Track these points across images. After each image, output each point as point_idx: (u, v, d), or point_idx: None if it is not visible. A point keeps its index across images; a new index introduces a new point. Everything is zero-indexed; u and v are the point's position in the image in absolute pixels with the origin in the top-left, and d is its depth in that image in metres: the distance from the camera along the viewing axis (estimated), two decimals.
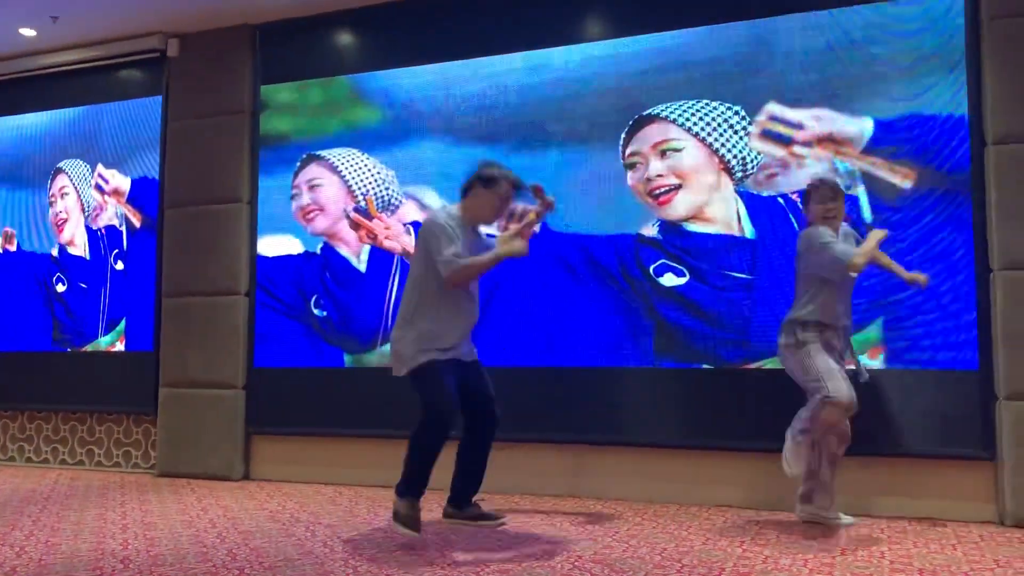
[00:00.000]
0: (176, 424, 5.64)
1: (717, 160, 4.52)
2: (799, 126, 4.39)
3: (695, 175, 4.58)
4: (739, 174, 4.48)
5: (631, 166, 4.71)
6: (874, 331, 4.18)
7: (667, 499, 4.47)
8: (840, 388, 3.57)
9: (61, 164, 6.32)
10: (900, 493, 4.04)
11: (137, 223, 5.99)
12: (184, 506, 4.55)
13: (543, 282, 4.83)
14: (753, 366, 4.36)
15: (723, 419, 4.40)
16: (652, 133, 4.68)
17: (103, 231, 6.12)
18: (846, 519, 3.82)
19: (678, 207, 4.59)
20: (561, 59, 4.93)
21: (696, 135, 4.58)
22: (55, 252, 6.26)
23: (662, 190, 4.63)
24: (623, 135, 4.73)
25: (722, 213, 4.51)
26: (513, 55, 5.04)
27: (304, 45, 5.60)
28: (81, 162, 6.25)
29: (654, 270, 4.61)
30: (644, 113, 4.70)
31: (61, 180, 6.31)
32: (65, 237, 6.25)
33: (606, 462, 4.67)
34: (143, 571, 3.15)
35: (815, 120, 4.37)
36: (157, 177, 5.92)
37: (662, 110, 4.67)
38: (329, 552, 3.43)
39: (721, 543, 3.52)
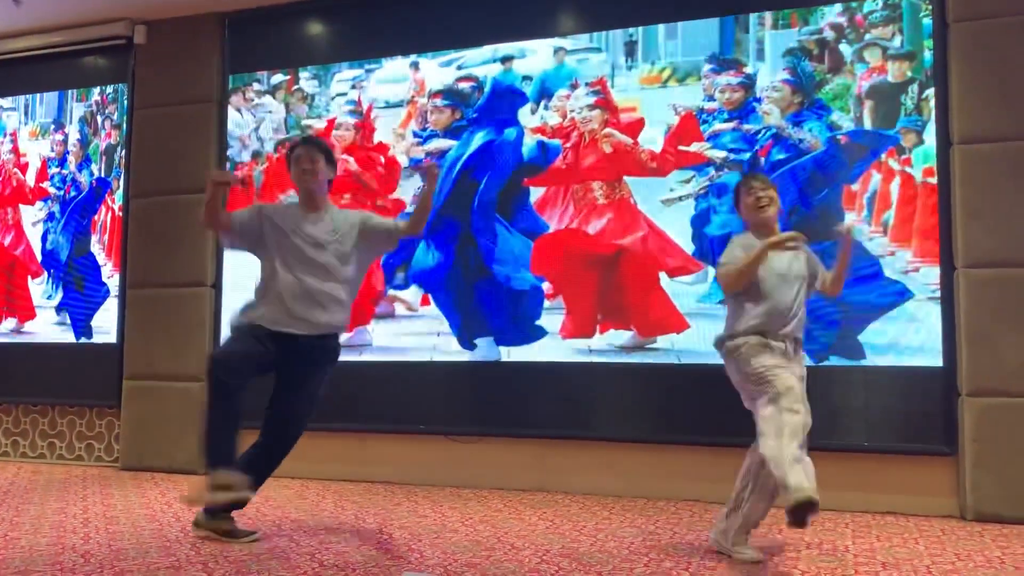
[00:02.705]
0: (140, 417, 5.56)
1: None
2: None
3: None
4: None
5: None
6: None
7: (635, 493, 4.49)
8: (792, 408, 3.03)
9: None
10: (865, 488, 4.09)
11: None
12: (148, 500, 4.49)
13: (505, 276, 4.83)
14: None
15: (690, 414, 4.42)
16: None
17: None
18: (748, 553, 3.17)
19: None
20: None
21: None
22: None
23: None
24: None
25: None
26: (485, 48, 5.03)
27: (274, 34, 5.54)
28: None
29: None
30: None
31: None
32: None
33: (574, 457, 4.68)
34: (104, 566, 3.10)
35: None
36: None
37: None
38: (295, 546, 3.40)
39: (688, 537, 3.54)
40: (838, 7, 4.38)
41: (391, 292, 5.10)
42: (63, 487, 4.91)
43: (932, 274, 4.10)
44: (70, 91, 6.18)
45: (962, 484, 3.98)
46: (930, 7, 4.22)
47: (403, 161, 5.15)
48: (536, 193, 4.84)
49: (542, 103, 4.88)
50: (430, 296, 5.01)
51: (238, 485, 3.37)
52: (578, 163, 4.76)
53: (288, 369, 3.62)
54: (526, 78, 4.94)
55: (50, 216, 6.10)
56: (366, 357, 5.11)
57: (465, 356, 4.91)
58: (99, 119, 6.06)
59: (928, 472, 4.07)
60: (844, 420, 4.15)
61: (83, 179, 6.05)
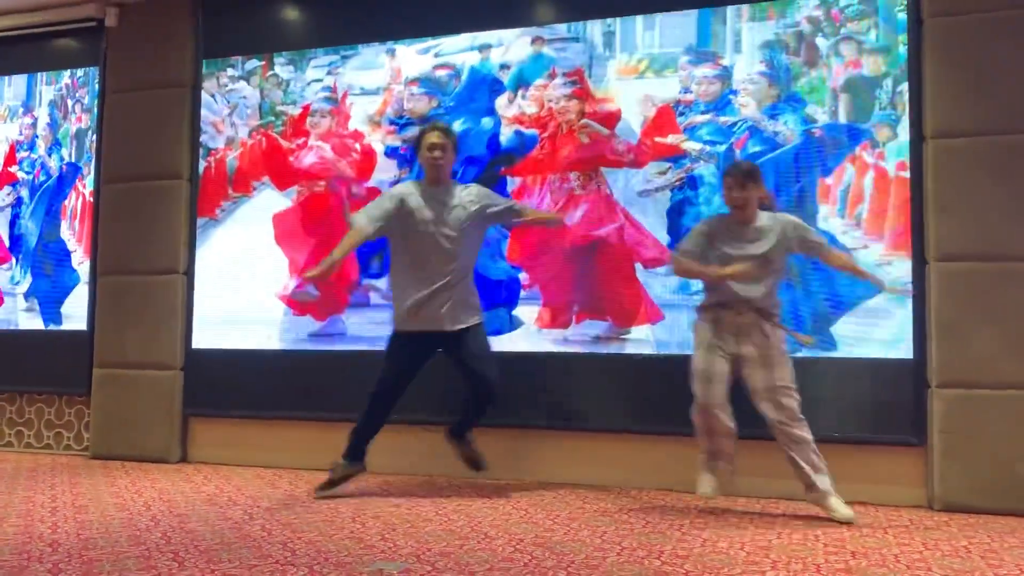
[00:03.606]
0: (111, 405, 5.50)
1: None
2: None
3: None
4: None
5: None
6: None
7: (608, 483, 4.50)
8: (695, 390, 3.76)
9: None
10: (835, 478, 4.12)
11: None
12: (117, 489, 4.44)
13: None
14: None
15: (665, 404, 4.43)
16: None
17: None
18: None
19: None
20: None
21: None
22: None
23: None
24: None
25: None
26: (462, 36, 5.00)
27: (249, 19, 5.47)
28: None
29: None
30: None
31: None
32: None
33: (548, 446, 4.69)
34: (72, 555, 3.06)
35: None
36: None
37: None
38: (267, 535, 3.38)
39: (661, 526, 3.56)
40: (815, 1, 4.40)
41: (366, 281, 5.07)
42: (31, 476, 4.85)
43: (904, 267, 4.14)
44: (40, 74, 6.07)
45: (930, 474, 4.03)
46: (905, 2, 4.25)
47: (379, 149, 5.11)
48: (513, 183, 4.83)
49: (519, 92, 4.87)
50: None
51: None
52: (555, 153, 4.76)
53: None
54: (503, 67, 4.92)
55: (18, 201, 6.01)
56: (340, 346, 5.08)
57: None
58: (69, 103, 5.96)
59: (897, 463, 4.12)
60: (815, 411, 4.17)
61: (53, 164, 5.95)
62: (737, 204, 3.66)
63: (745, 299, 3.67)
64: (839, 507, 3.63)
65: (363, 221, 4.03)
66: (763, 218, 3.74)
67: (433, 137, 4.13)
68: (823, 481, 3.65)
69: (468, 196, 4.15)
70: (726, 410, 3.74)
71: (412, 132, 5.03)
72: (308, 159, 5.27)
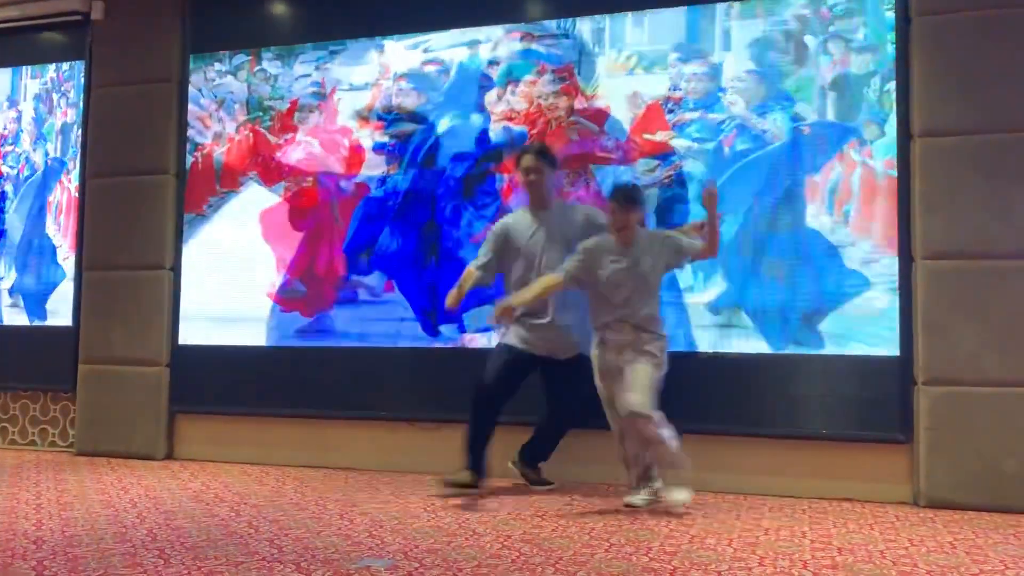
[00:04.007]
0: (96, 402, 5.46)
1: None
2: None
3: None
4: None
5: None
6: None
7: (597, 479, 4.50)
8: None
9: None
10: (822, 475, 4.15)
11: None
12: (103, 486, 4.41)
13: None
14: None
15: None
16: None
17: None
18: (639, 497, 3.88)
19: None
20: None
21: None
22: None
23: None
24: None
25: None
26: (452, 31, 4.99)
27: (237, 13, 5.44)
28: None
29: None
30: None
31: None
32: None
33: None
34: (57, 552, 3.04)
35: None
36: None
37: None
38: (254, 532, 3.36)
39: (649, 522, 3.56)
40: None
41: (354, 277, 5.06)
42: (15, 472, 4.81)
43: (891, 265, 4.16)
44: (24, 68, 6.02)
45: (916, 471, 4.06)
46: (892, 1, 4.26)
47: (367, 144, 5.10)
48: (502, 180, 4.82)
49: (508, 89, 4.86)
50: (393, 282, 4.97)
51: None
52: None
53: None
54: (492, 63, 4.91)
55: (2, 196, 5.96)
56: (328, 343, 5.06)
57: (428, 342, 4.89)
58: (55, 97, 5.92)
59: (884, 459, 4.14)
60: (802, 408, 4.21)
61: (38, 158, 5.90)
62: (618, 226, 3.80)
63: (622, 318, 3.81)
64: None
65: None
66: (641, 236, 3.86)
67: (525, 160, 4.21)
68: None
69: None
70: None
71: (400, 128, 5.03)
72: (296, 155, 5.25)
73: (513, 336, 4.20)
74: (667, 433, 3.67)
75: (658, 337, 3.86)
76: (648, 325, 3.83)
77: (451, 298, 4.17)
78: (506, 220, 4.31)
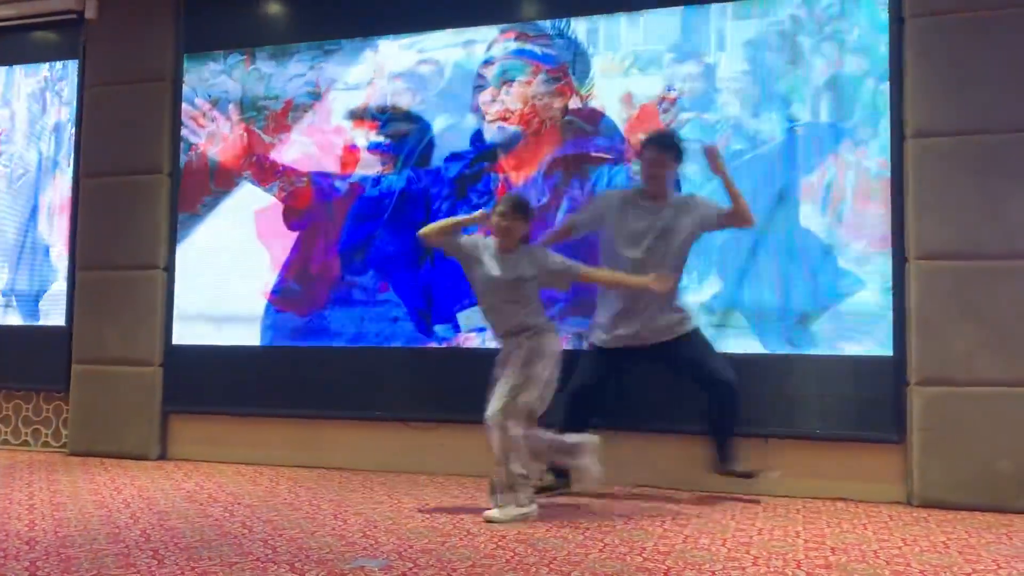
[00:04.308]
0: (90, 402, 5.45)
1: None
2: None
3: None
4: None
5: None
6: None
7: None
8: None
9: None
10: (816, 475, 4.15)
11: None
12: (96, 486, 4.40)
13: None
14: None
15: (645, 401, 4.44)
16: None
17: None
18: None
19: None
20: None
21: None
22: None
23: None
24: None
25: None
26: (446, 31, 4.99)
27: (231, 12, 5.43)
28: None
29: None
30: None
31: None
32: None
33: None
34: (50, 552, 3.03)
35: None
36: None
37: None
38: (248, 532, 3.36)
39: (643, 522, 3.57)
40: (798, 0, 4.41)
41: (348, 277, 5.05)
42: (8, 473, 4.79)
43: (885, 265, 4.17)
44: (17, 66, 5.99)
45: (909, 471, 4.07)
46: (886, 2, 4.27)
47: (362, 144, 5.09)
48: (496, 180, 4.82)
49: (503, 89, 4.86)
50: (388, 282, 4.97)
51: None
52: (539, 150, 4.75)
53: None
54: (487, 63, 4.91)
55: None
56: (323, 343, 5.05)
57: (423, 342, 4.89)
58: (48, 96, 5.90)
59: (877, 459, 4.15)
60: (796, 408, 4.21)
61: (31, 157, 5.88)
62: (500, 231, 3.79)
63: (503, 326, 3.84)
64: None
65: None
66: (521, 247, 3.84)
67: (650, 152, 4.06)
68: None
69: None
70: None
71: (395, 128, 5.03)
72: (290, 154, 5.24)
73: (599, 335, 4.09)
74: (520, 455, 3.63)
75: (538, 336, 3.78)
76: (528, 327, 3.78)
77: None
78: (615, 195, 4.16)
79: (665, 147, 4.03)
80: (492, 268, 3.80)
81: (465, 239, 3.91)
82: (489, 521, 3.55)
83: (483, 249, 3.86)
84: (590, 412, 4.10)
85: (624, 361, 4.09)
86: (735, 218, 3.98)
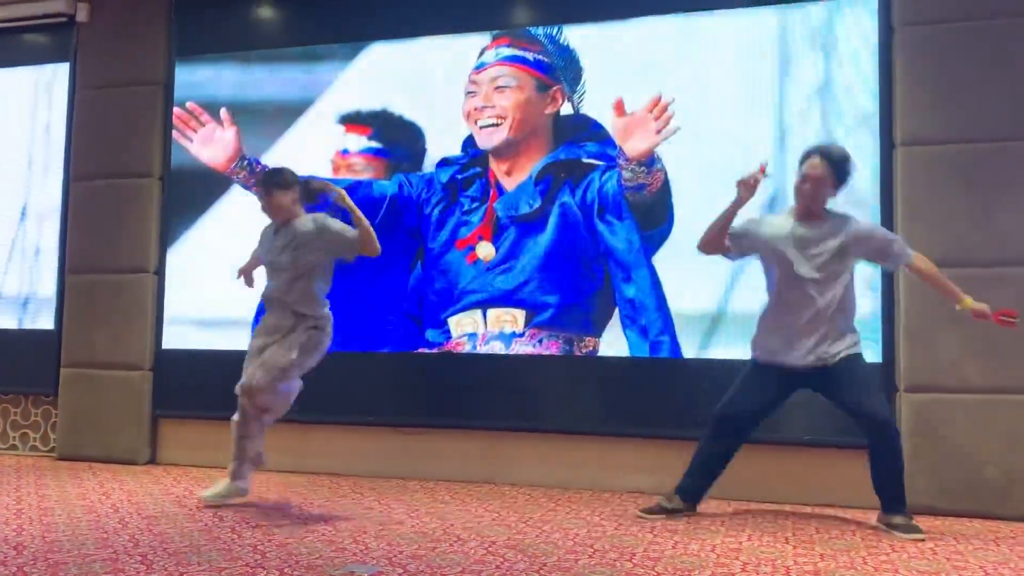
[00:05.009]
0: (79, 406, 5.42)
1: None
2: None
3: None
4: None
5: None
6: None
7: (580, 485, 4.51)
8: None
9: None
10: (805, 481, 4.16)
11: None
12: (85, 491, 4.38)
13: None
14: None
15: (635, 407, 4.46)
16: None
17: None
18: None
19: None
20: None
21: None
22: None
23: None
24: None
25: None
26: (437, 37, 5.01)
27: (223, 16, 5.43)
28: None
29: None
30: None
31: None
32: None
33: (521, 448, 4.69)
34: (38, 557, 3.02)
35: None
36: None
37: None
38: (237, 538, 3.35)
39: (632, 528, 3.57)
40: (787, 8, 4.43)
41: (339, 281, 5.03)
42: None
43: (874, 272, 4.19)
44: (8, 69, 5.96)
45: None
46: (877, 11, 4.30)
47: (353, 148, 5.09)
48: (488, 184, 4.82)
49: (495, 94, 4.86)
50: (379, 286, 4.96)
51: None
52: (530, 156, 4.76)
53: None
54: (479, 68, 4.91)
55: None
56: None
57: (414, 347, 4.88)
58: (39, 99, 5.86)
59: (866, 466, 4.14)
60: (785, 415, 4.22)
61: (22, 160, 5.85)
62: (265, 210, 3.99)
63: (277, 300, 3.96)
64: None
65: None
66: (304, 221, 3.93)
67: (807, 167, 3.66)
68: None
69: None
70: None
71: (386, 132, 5.03)
72: (281, 158, 5.21)
73: (760, 348, 3.80)
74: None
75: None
76: (303, 310, 3.92)
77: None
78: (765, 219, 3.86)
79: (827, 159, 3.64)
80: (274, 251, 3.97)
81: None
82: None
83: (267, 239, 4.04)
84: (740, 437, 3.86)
85: (783, 382, 3.78)
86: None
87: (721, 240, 3.75)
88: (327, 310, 3.99)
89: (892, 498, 3.60)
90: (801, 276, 3.61)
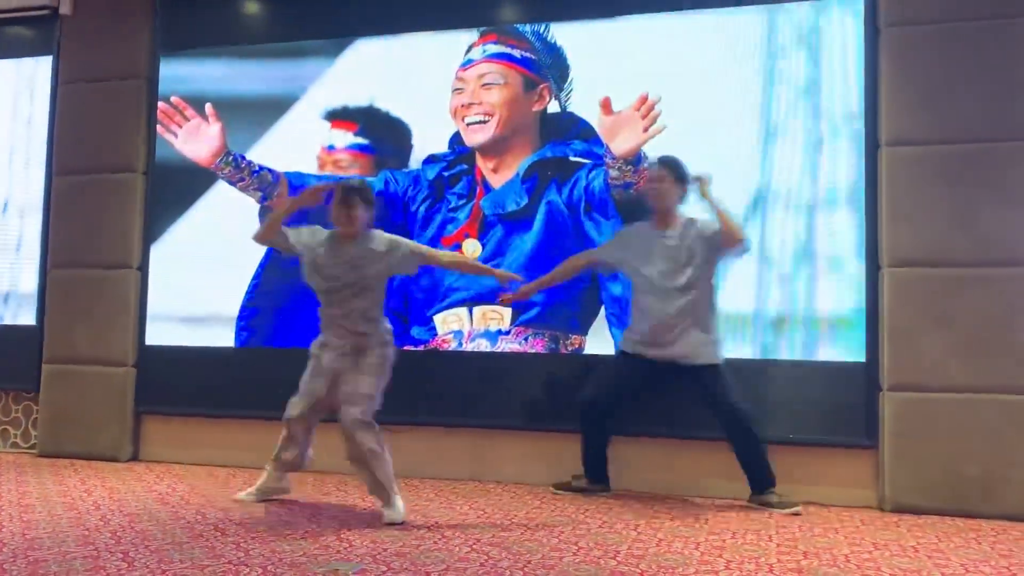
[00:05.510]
0: (60, 402, 5.38)
1: None
2: None
3: None
4: None
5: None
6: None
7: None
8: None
9: None
10: (789, 480, 4.17)
11: None
12: (66, 488, 4.34)
13: None
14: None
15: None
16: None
17: None
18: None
19: None
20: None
21: None
22: None
23: None
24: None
25: None
26: (424, 33, 4.99)
27: (207, 10, 5.39)
28: None
29: None
30: None
31: None
32: None
33: (506, 446, 4.69)
34: (18, 555, 2.99)
35: None
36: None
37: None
38: (220, 535, 3.33)
39: (617, 526, 3.58)
40: (773, 9, 4.45)
41: None
42: None
43: (858, 272, 4.21)
44: None
45: (881, 476, 4.11)
46: (862, 12, 4.32)
47: (339, 144, 5.07)
48: (474, 181, 4.82)
49: (482, 91, 4.85)
50: None
51: None
52: (517, 153, 4.76)
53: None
54: (466, 65, 4.90)
55: None
56: (298, 344, 5.01)
57: (399, 344, 4.87)
58: (21, 92, 5.81)
59: (849, 464, 4.19)
60: (769, 413, 4.24)
61: (2, 154, 5.79)
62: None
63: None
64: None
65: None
66: (374, 237, 3.83)
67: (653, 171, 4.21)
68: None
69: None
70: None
71: (372, 129, 5.01)
72: (266, 154, 5.19)
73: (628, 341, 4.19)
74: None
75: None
76: (358, 331, 3.84)
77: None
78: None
79: (666, 165, 4.10)
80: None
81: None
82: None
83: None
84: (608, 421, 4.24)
85: (647, 374, 4.15)
86: (729, 245, 3.98)
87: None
88: (388, 323, 3.96)
89: (759, 479, 3.97)
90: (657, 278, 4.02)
